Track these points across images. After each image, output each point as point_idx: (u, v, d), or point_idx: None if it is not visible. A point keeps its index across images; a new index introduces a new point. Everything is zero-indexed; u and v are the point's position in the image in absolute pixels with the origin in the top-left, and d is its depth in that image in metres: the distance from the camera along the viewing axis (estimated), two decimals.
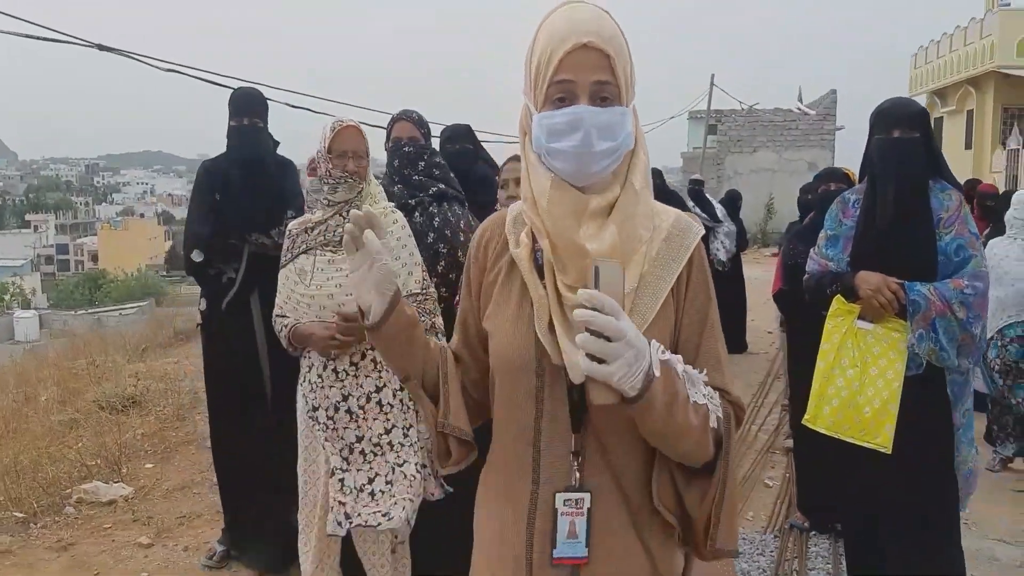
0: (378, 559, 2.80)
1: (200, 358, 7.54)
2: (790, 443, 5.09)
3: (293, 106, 6.47)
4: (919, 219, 2.77)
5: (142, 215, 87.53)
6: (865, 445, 2.73)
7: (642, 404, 1.15)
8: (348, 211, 2.68)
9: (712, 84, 21.85)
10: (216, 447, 3.65)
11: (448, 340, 2.71)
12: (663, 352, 1.18)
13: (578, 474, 1.29)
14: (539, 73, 1.28)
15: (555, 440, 1.30)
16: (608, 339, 1.11)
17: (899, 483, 2.81)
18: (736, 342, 8.08)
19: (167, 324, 12.79)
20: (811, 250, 3.09)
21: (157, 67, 5.99)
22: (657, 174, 7.56)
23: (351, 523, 2.60)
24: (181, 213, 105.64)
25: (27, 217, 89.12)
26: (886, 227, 2.80)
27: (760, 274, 13.84)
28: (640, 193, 1.30)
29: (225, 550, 3.57)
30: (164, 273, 67.32)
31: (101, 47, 5.53)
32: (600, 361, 1.12)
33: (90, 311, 40.04)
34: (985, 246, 4.41)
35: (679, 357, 1.22)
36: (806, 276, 3.09)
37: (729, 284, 8.02)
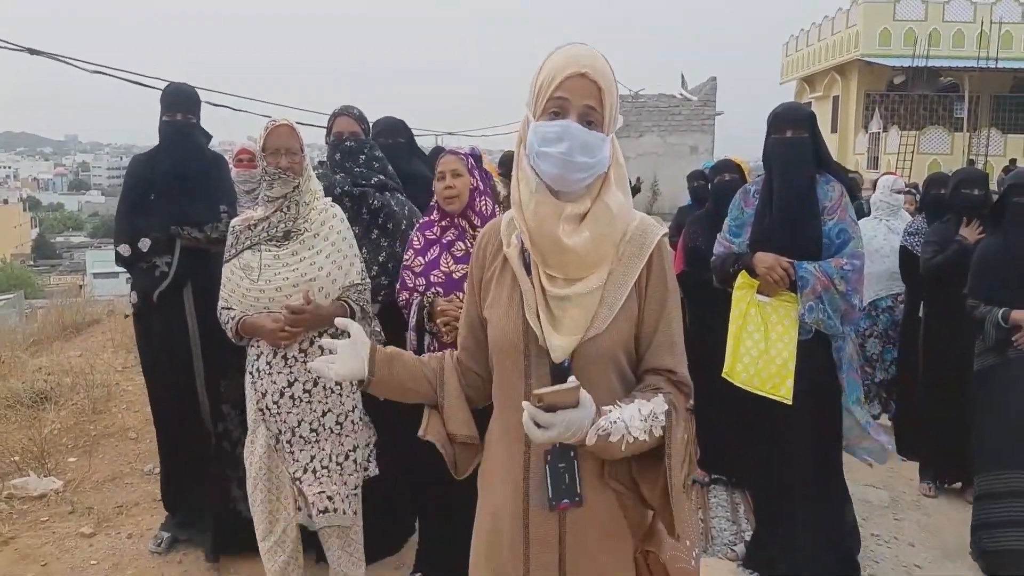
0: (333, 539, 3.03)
1: (112, 351, 7.47)
2: (690, 403, 5.52)
3: (214, 104, 6.43)
4: (806, 207, 3.23)
5: (5, 201, 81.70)
6: (772, 397, 3.16)
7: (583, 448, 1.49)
8: (287, 206, 2.85)
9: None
10: (160, 433, 3.74)
11: (381, 327, 3.01)
12: (602, 430, 1.44)
13: None
14: (541, 90, 1.56)
15: None
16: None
17: (796, 431, 3.27)
18: None
19: (53, 318, 12.30)
20: (718, 235, 3.51)
21: (84, 69, 5.85)
22: None
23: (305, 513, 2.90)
24: (48, 198, 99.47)
25: None
26: (780, 215, 3.25)
27: None
28: (612, 209, 1.58)
29: (171, 536, 3.67)
30: (31, 263, 63.26)
31: (32, 51, 5.36)
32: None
33: None
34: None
35: (624, 420, 1.47)
36: (713, 258, 3.51)
37: None
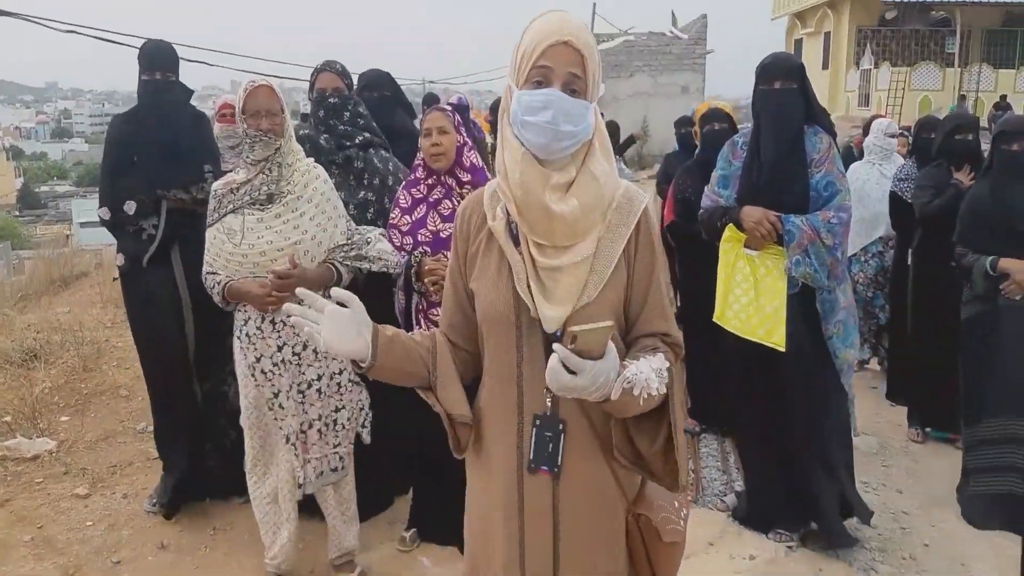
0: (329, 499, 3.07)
1: (100, 306, 7.44)
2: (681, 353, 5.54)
3: (188, 60, 6.28)
4: (795, 160, 3.20)
5: None
6: (765, 343, 3.17)
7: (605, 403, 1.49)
8: (270, 168, 2.81)
9: (594, 13, 22.14)
10: (152, 393, 3.74)
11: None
12: (628, 381, 1.45)
13: (549, 404, 1.59)
14: (524, 59, 1.54)
15: (533, 380, 1.59)
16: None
17: (785, 378, 3.28)
18: None
19: (40, 271, 12.22)
20: (706, 187, 3.48)
21: (57, 29, 5.69)
22: None
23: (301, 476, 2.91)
24: (32, 147, 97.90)
25: None
26: (768, 168, 3.21)
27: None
28: (599, 177, 1.58)
29: (166, 495, 3.69)
30: (17, 214, 62.59)
31: (1, 12, 5.19)
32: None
33: None
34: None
35: (653, 360, 1.50)
36: (701, 211, 3.48)
37: None
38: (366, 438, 3.07)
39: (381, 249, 3.00)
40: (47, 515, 3.66)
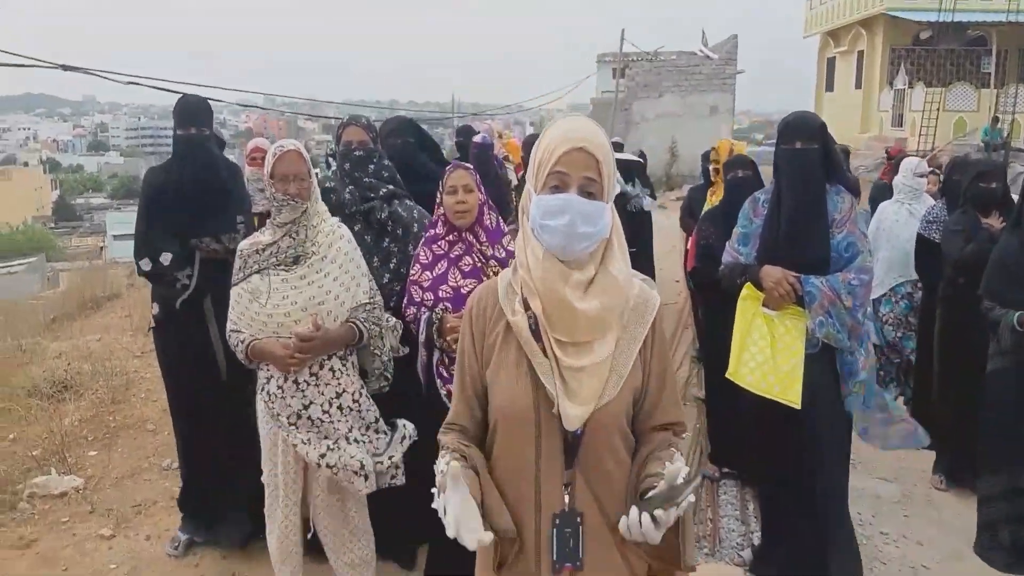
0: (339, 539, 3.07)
1: (131, 334, 7.57)
2: (701, 393, 5.52)
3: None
4: (816, 221, 3.19)
5: (26, 163, 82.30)
6: (780, 400, 3.15)
7: None
8: (296, 231, 2.87)
9: (623, 39, 22.24)
10: (181, 441, 3.82)
11: (399, 327, 3.01)
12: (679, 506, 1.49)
13: (567, 499, 1.64)
14: (541, 165, 1.61)
15: (551, 475, 1.64)
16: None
17: (802, 438, 3.27)
18: None
19: (74, 289, 12.47)
20: (727, 243, 3.48)
21: (118, 81, 6.01)
22: None
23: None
24: (68, 160, 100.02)
25: None
26: (788, 228, 3.21)
27: (665, 221, 14.30)
28: (617, 277, 1.63)
29: (189, 538, 3.76)
30: (53, 225, 63.86)
31: (65, 67, 5.45)
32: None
33: None
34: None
35: (677, 466, 1.50)
36: (722, 267, 3.50)
37: (637, 243, 8.44)
38: (400, 479, 3.02)
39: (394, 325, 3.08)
40: (72, 557, 3.73)
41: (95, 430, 5.22)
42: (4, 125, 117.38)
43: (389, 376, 3.19)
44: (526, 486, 1.66)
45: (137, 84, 6.16)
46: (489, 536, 1.53)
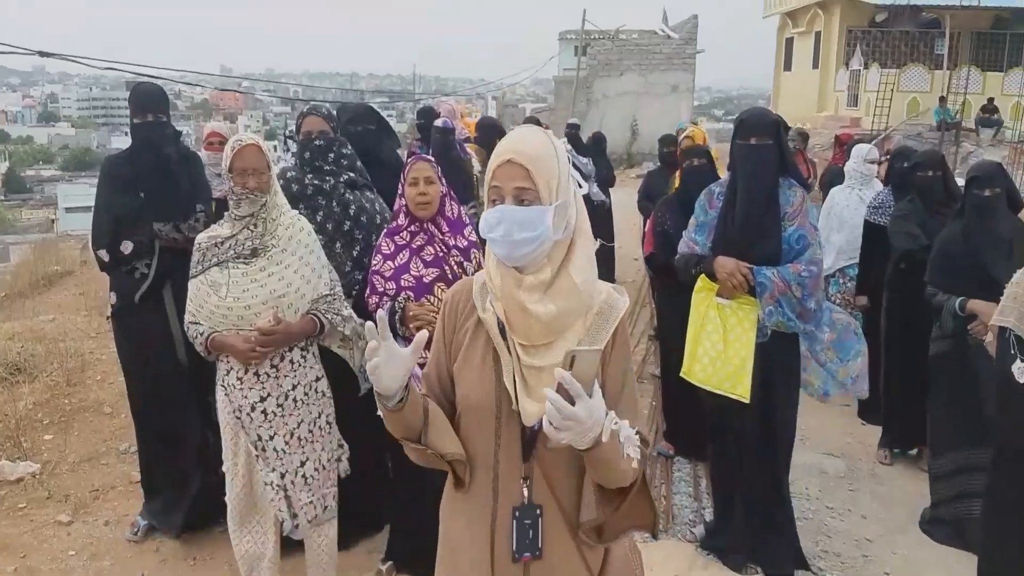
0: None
1: (84, 314, 7.45)
2: (657, 371, 5.61)
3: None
4: (769, 214, 3.29)
5: None
6: (730, 395, 3.29)
7: (588, 454, 1.56)
8: (255, 224, 2.87)
9: (584, 18, 22.24)
10: (140, 430, 3.81)
11: (356, 318, 3.03)
12: (615, 423, 1.54)
13: (526, 492, 1.70)
14: (487, 182, 1.69)
15: (510, 468, 1.70)
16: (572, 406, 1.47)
17: (753, 420, 3.39)
18: (606, 273, 8.63)
19: (27, 265, 12.20)
20: (683, 233, 3.58)
21: (96, 67, 5.91)
22: (534, 122, 7.87)
23: (295, 524, 2.97)
24: (17, 131, 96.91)
25: None
26: (742, 221, 3.30)
27: (626, 198, 14.39)
28: (575, 279, 1.66)
29: (148, 524, 3.77)
30: (2, 198, 62.16)
31: (43, 53, 5.33)
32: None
33: None
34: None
35: (626, 423, 1.57)
36: (677, 256, 3.59)
37: (597, 219, 8.53)
38: (343, 472, 3.14)
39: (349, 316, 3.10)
40: (30, 544, 3.71)
41: (50, 414, 5.16)
42: None
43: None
44: (485, 475, 1.72)
45: (115, 69, 6.08)
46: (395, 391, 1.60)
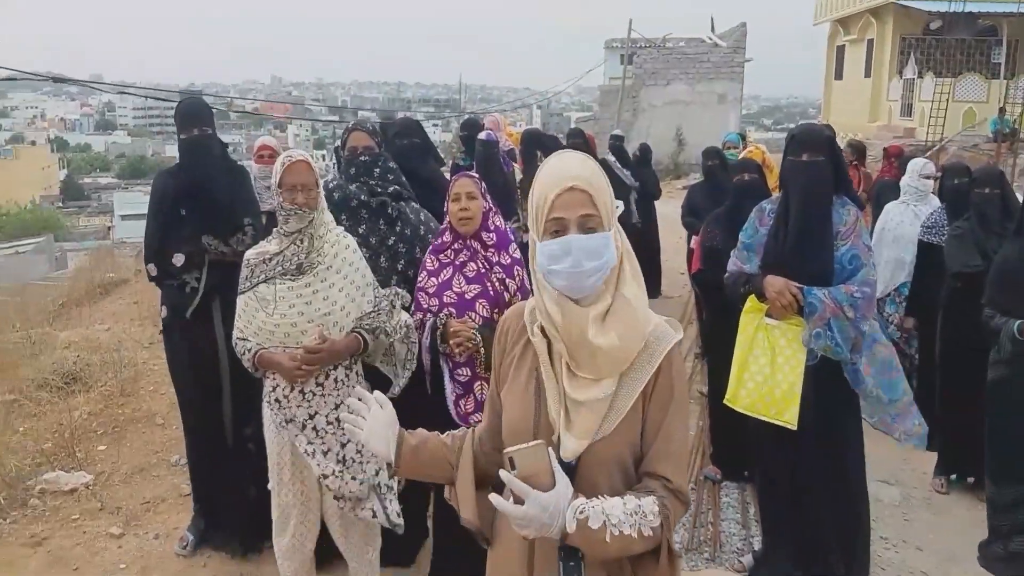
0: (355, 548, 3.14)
1: (139, 323, 7.62)
2: (704, 389, 5.52)
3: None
4: (821, 232, 3.22)
5: (33, 142, 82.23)
6: (776, 423, 3.21)
7: (569, 539, 1.54)
8: (301, 240, 2.90)
9: (630, 27, 22.16)
10: (189, 442, 3.87)
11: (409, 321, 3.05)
12: (581, 512, 1.51)
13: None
14: (539, 213, 1.63)
15: None
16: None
17: (809, 446, 3.31)
18: (651, 288, 8.57)
19: (84, 271, 12.53)
20: (732, 251, 3.52)
21: (107, 91, 5.99)
22: (579, 134, 7.84)
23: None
24: (76, 138, 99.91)
25: None
26: (793, 239, 3.24)
27: (672, 211, 14.27)
28: (631, 301, 1.64)
29: (197, 538, 3.81)
30: (60, 205, 64.04)
31: (56, 79, 5.47)
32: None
33: None
34: None
35: (605, 507, 1.53)
36: (726, 275, 3.54)
37: (643, 233, 8.48)
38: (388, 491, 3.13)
39: (401, 322, 3.09)
40: (82, 556, 3.79)
41: (104, 424, 5.28)
42: (11, 103, 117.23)
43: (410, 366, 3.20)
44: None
45: (127, 93, 6.18)
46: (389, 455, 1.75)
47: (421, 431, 1.84)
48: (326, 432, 2.93)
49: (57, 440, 4.89)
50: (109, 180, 74.18)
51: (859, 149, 8.48)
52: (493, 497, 1.49)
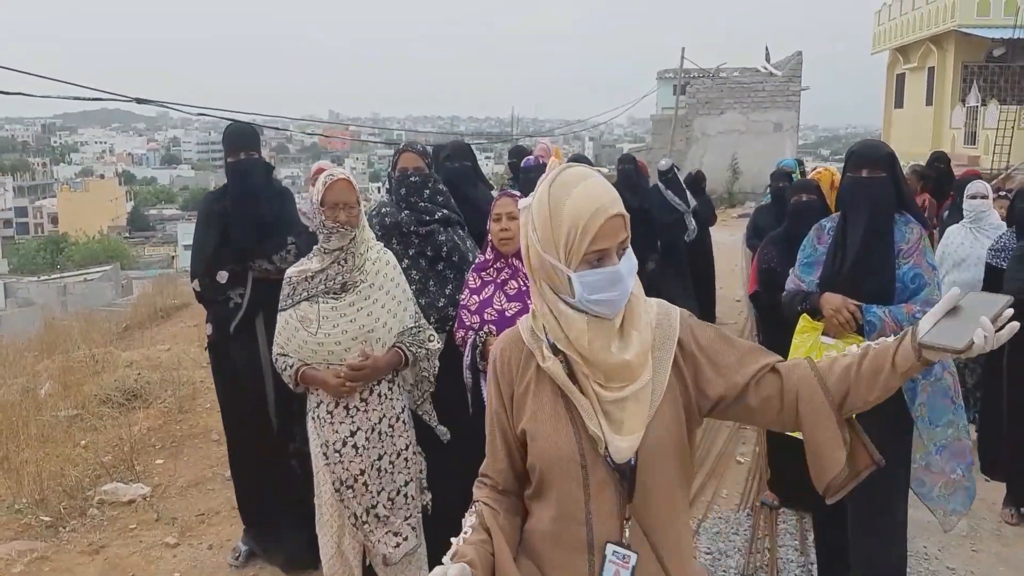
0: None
1: (197, 344, 7.81)
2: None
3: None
4: (881, 250, 3.12)
5: (102, 175, 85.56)
6: None
7: None
8: (344, 258, 2.92)
9: (683, 57, 22.17)
10: (233, 457, 3.93)
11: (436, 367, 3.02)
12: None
13: (628, 533, 1.59)
14: (573, 243, 1.53)
15: (601, 516, 1.59)
16: None
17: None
18: (706, 314, 8.46)
19: (147, 297, 12.92)
20: (790, 271, 3.45)
21: (188, 113, 6.30)
22: (630, 159, 7.83)
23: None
24: (142, 172, 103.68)
25: None
26: (852, 256, 3.15)
27: (727, 238, 14.18)
28: (637, 298, 1.61)
29: (248, 549, 3.85)
30: (127, 235, 66.38)
31: (139, 100, 5.75)
32: None
33: (53, 277, 39.66)
34: None
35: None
36: (784, 293, 3.46)
37: (698, 259, 8.40)
38: (426, 499, 3.15)
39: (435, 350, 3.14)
40: (138, 564, 3.86)
41: (162, 438, 5.40)
42: (82, 139, 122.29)
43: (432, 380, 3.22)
44: (577, 528, 1.62)
45: (206, 115, 6.46)
46: None
47: (466, 552, 1.63)
48: (363, 449, 2.94)
49: (117, 453, 5.01)
50: (173, 212, 76.65)
51: (920, 174, 8.30)
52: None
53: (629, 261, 1.57)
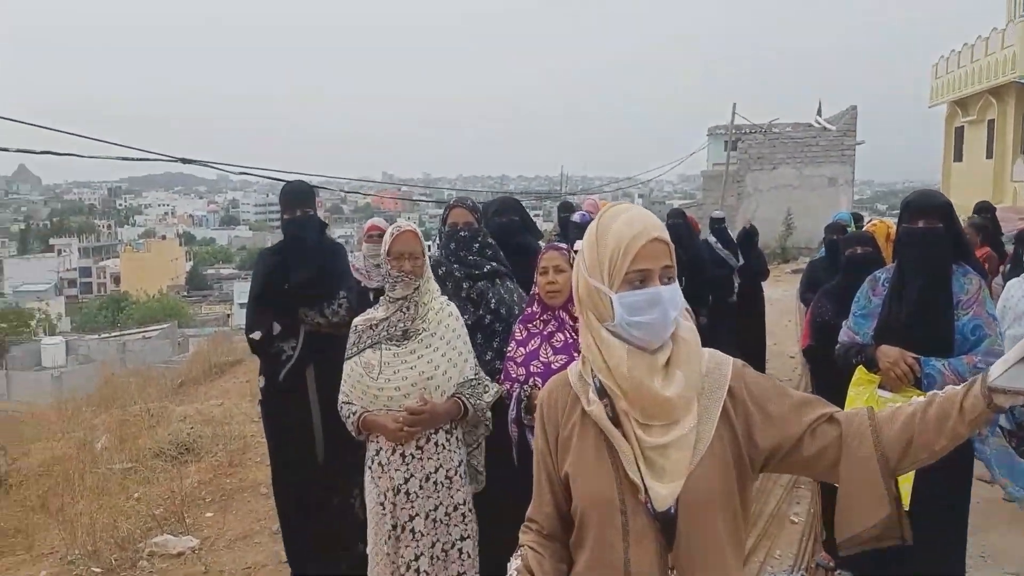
0: None
1: (249, 399, 7.91)
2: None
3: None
4: (939, 301, 3.03)
5: (163, 236, 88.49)
6: None
7: None
8: (408, 307, 2.99)
9: (734, 112, 22.22)
10: (280, 508, 3.93)
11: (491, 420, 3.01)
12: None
13: None
14: (615, 264, 1.58)
15: (641, 563, 1.56)
16: None
17: (920, 527, 3.05)
18: (756, 369, 8.23)
19: (202, 354, 13.18)
20: (844, 323, 3.37)
21: (231, 173, 6.52)
22: (679, 214, 7.79)
23: None
24: (202, 233, 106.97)
25: (51, 241, 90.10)
26: (909, 308, 3.06)
27: (780, 294, 13.95)
28: (687, 339, 1.60)
29: None
30: (185, 294, 68.33)
31: (184, 160, 5.97)
32: None
33: (114, 334, 40.93)
34: None
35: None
36: (838, 345, 3.38)
37: (748, 316, 8.25)
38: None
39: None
40: None
41: (213, 492, 5.43)
42: (146, 201, 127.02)
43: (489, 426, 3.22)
44: (614, 574, 1.59)
45: (248, 175, 6.62)
46: None
47: None
48: (416, 496, 2.92)
49: (168, 506, 5.06)
50: (231, 271, 78.67)
51: (978, 227, 8.08)
52: None
53: (673, 290, 1.58)
